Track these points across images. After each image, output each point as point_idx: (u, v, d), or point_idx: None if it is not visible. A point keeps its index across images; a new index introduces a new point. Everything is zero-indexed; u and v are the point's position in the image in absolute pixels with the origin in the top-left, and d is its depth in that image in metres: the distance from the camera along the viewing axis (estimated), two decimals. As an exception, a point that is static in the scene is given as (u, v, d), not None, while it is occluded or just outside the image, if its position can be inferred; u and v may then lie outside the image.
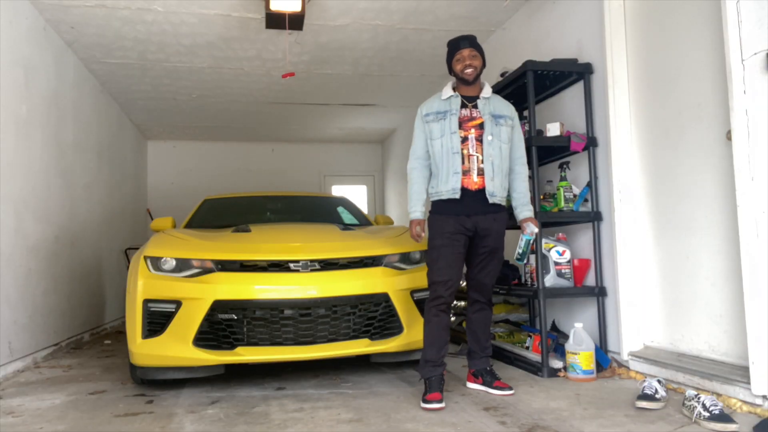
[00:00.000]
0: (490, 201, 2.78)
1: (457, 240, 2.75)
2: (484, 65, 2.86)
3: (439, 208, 2.82)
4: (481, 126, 2.79)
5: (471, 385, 3.00)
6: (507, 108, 2.90)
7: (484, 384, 2.93)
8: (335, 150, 9.65)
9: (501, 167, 2.79)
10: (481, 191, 2.77)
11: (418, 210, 2.85)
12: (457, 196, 2.74)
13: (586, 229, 3.55)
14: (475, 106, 2.82)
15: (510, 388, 2.85)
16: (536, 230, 2.84)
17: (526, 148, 3.40)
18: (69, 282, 4.93)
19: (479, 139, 2.77)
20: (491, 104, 2.84)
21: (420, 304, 3.14)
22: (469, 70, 2.79)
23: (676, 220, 2.98)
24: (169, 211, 8.48)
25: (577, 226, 3.64)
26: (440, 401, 2.60)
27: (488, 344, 3.00)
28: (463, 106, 2.82)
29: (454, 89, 2.89)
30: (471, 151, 2.77)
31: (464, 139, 2.77)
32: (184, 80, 6.03)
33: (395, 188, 8.94)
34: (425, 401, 2.61)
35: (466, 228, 2.77)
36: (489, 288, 2.94)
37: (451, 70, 2.89)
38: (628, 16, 3.32)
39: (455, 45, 2.87)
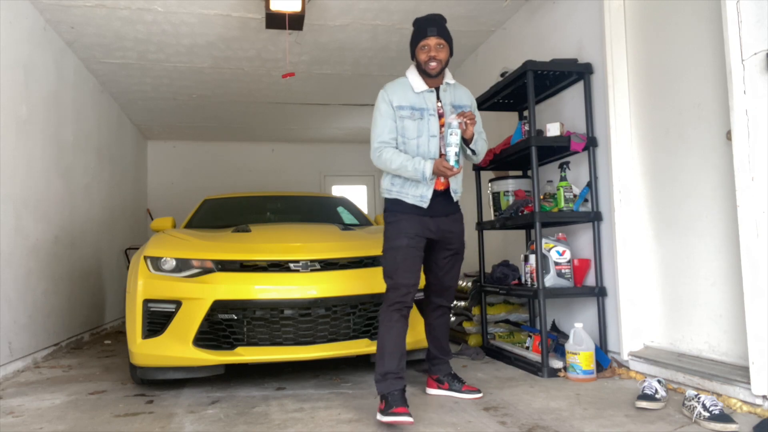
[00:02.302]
0: (455, 199, 2.68)
1: (419, 242, 2.58)
2: (451, 54, 2.62)
3: (401, 208, 2.60)
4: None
5: (433, 392, 2.86)
6: (467, 96, 2.73)
7: (450, 389, 2.80)
8: (335, 150, 9.65)
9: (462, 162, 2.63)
10: (447, 190, 2.65)
11: (425, 162, 2.49)
12: (425, 204, 2.56)
13: (586, 229, 3.55)
14: (438, 97, 2.64)
15: (478, 391, 2.78)
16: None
17: (526, 147, 3.41)
18: (69, 282, 4.93)
19: (431, 116, 2.61)
20: (452, 93, 2.67)
21: (419, 304, 3.14)
22: (433, 64, 2.55)
23: (676, 220, 2.98)
24: (169, 211, 8.49)
25: (577, 226, 3.64)
26: (409, 415, 2.30)
27: (449, 347, 2.92)
28: (430, 95, 2.62)
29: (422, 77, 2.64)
30: (441, 150, 2.57)
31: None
32: (184, 80, 6.03)
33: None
34: (389, 413, 2.31)
35: (429, 230, 2.60)
36: (453, 291, 2.82)
37: (413, 55, 2.64)
38: (628, 16, 3.32)
39: (421, 30, 2.59)
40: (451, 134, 2.42)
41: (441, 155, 2.56)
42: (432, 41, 2.56)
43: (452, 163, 2.41)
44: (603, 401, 2.63)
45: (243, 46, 5.12)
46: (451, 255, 2.72)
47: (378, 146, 2.58)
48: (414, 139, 2.59)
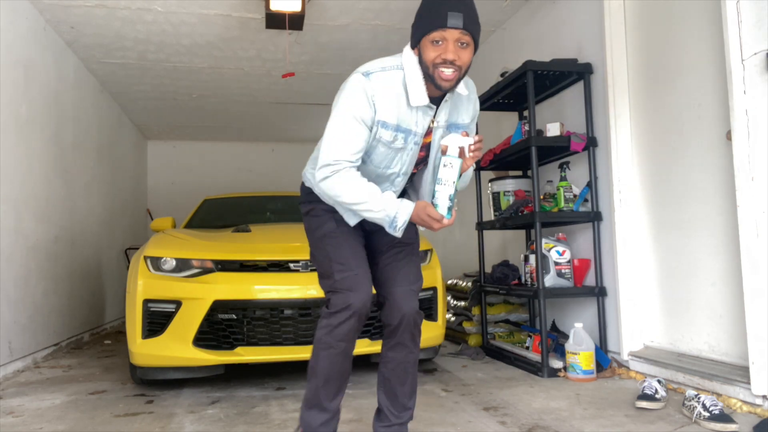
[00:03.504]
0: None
1: (354, 228, 1.90)
2: (475, 52, 1.75)
3: (327, 204, 1.91)
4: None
5: None
6: (469, 110, 1.91)
7: None
8: (335, 150, 9.63)
9: (428, 190, 1.93)
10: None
11: (399, 206, 1.72)
12: (352, 223, 1.88)
13: (586, 229, 3.55)
14: (430, 109, 1.81)
15: None
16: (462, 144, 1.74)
17: (526, 147, 3.41)
18: (69, 282, 4.93)
19: (417, 143, 1.84)
20: (452, 105, 1.85)
21: (420, 304, 3.13)
22: (448, 72, 1.67)
23: (676, 220, 2.98)
24: (169, 211, 8.48)
25: (577, 226, 3.64)
26: None
27: (410, 403, 1.98)
28: (425, 113, 1.80)
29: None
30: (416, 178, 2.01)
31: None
32: (184, 80, 6.03)
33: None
34: None
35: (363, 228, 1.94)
36: (413, 312, 1.95)
37: (416, 44, 1.73)
38: (628, 16, 3.32)
39: (439, 14, 1.66)
40: (445, 166, 1.69)
41: (413, 179, 1.95)
42: (452, 35, 1.65)
43: (444, 211, 1.68)
44: (603, 401, 2.63)
45: (243, 46, 5.12)
46: (399, 246, 1.97)
47: (332, 165, 1.71)
48: (380, 163, 1.84)
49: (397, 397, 1.95)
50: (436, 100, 1.79)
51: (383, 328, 1.96)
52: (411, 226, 1.90)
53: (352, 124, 1.72)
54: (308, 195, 2.00)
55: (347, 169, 1.72)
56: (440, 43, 1.66)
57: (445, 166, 1.70)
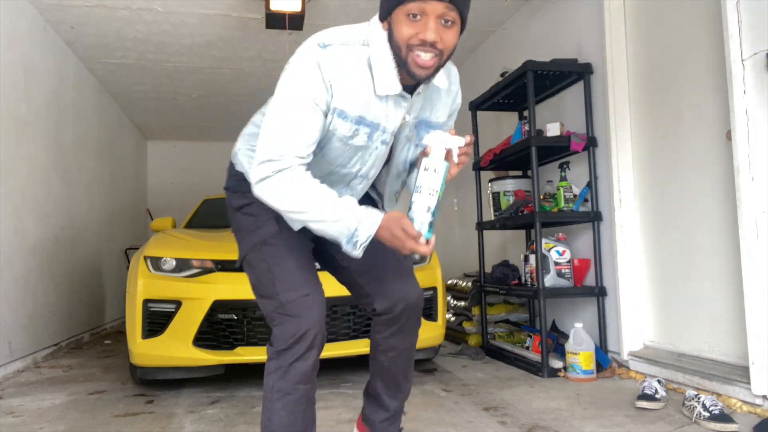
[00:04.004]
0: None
1: (302, 232, 1.49)
2: (461, 32, 1.37)
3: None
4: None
5: None
6: (447, 106, 1.57)
7: None
8: (335, 150, 9.64)
9: (390, 192, 1.67)
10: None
11: (363, 216, 1.34)
12: (297, 227, 1.48)
13: (586, 229, 3.55)
14: (405, 100, 1.44)
15: None
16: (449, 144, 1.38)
17: (526, 147, 3.41)
18: (69, 282, 4.93)
19: (384, 142, 1.50)
20: (428, 99, 1.50)
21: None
22: (426, 57, 1.31)
23: (676, 220, 2.98)
24: (169, 211, 8.48)
25: (577, 226, 3.64)
26: None
27: (409, 384, 1.75)
28: (398, 104, 1.45)
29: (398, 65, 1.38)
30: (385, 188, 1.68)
31: None
32: (184, 80, 6.03)
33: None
34: None
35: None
36: (411, 277, 1.64)
37: (386, 15, 1.36)
38: (628, 16, 3.32)
39: None
40: (427, 171, 1.34)
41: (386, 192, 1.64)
42: (435, 9, 1.28)
43: (423, 228, 1.32)
44: (603, 401, 2.63)
45: (243, 46, 5.12)
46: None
47: (276, 161, 1.33)
48: (331, 165, 1.48)
49: (399, 386, 1.71)
50: (408, 88, 1.41)
51: (377, 316, 1.60)
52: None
53: (304, 107, 1.33)
54: (241, 183, 1.54)
55: (294, 168, 1.32)
56: (418, 17, 1.28)
57: (426, 170, 1.33)
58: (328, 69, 1.34)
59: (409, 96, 1.43)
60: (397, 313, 1.58)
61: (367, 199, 1.66)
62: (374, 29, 1.40)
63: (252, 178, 1.35)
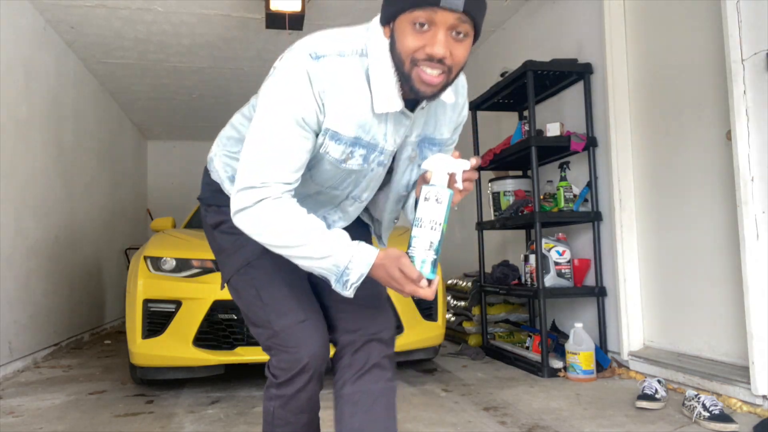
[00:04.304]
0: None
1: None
2: (475, 40, 1.18)
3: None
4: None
5: None
6: (453, 121, 1.37)
7: None
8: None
9: (388, 219, 1.49)
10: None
11: (351, 246, 1.17)
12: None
13: (586, 229, 3.55)
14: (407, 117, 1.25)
15: None
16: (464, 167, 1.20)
17: (526, 147, 3.41)
18: (69, 282, 4.93)
19: (382, 164, 1.31)
20: (432, 114, 1.32)
21: (420, 304, 3.14)
22: (433, 74, 1.13)
23: (676, 220, 2.98)
24: (169, 211, 8.48)
25: (577, 226, 3.64)
26: None
27: None
28: (399, 121, 1.26)
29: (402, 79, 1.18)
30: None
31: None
32: (184, 80, 6.03)
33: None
34: None
35: None
36: (388, 320, 1.41)
37: (388, 20, 1.17)
38: (628, 16, 3.32)
39: None
40: (428, 201, 1.16)
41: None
42: (445, 19, 1.10)
43: (425, 268, 1.15)
44: (603, 401, 2.63)
45: (243, 46, 5.12)
46: None
47: (259, 188, 1.17)
48: (320, 186, 1.32)
49: None
50: (409, 102, 1.23)
51: (337, 358, 1.38)
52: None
53: (291, 128, 1.16)
54: (216, 195, 1.41)
55: (278, 197, 1.16)
56: (426, 27, 1.10)
57: (427, 200, 1.15)
58: (320, 84, 1.15)
59: (411, 114, 1.24)
60: (360, 345, 1.34)
61: (358, 224, 1.49)
62: (374, 36, 1.20)
63: (232, 207, 1.19)
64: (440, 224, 1.15)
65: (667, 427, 2.22)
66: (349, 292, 1.17)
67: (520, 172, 4.13)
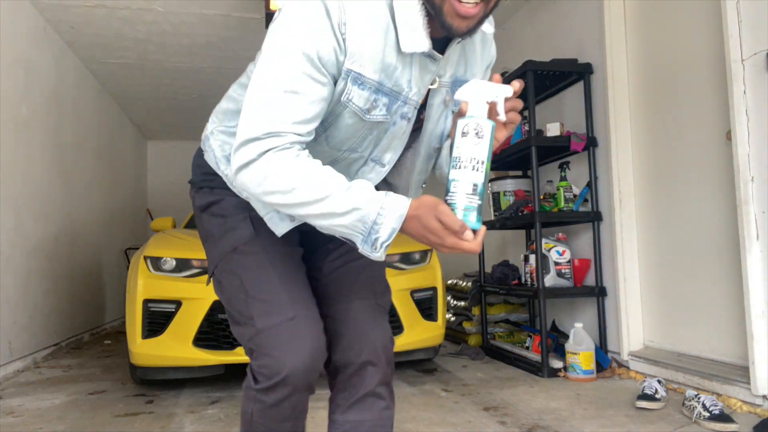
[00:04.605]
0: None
1: (287, 239, 1.18)
2: None
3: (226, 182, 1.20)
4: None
5: None
6: (484, 59, 1.23)
7: None
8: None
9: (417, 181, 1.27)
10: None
11: (379, 195, 0.98)
12: (281, 231, 1.15)
13: (586, 229, 3.55)
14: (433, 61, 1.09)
15: None
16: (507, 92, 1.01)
17: (526, 147, 3.41)
18: (69, 282, 4.93)
19: (405, 116, 1.13)
20: (462, 54, 1.16)
21: (420, 304, 3.14)
22: (469, 5, 0.97)
23: (676, 220, 2.98)
24: (169, 211, 8.48)
25: (577, 226, 3.64)
26: None
27: None
28: (425, 66, 1.08)
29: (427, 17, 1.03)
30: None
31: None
32: (184, 80, 6.03)
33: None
34: None
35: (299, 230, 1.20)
36: (387, 342, 1.26)
37: None
38: (628, 16, 3.32)
39: None
40: (466, 136, 0.97)
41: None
42: None
43: (470, 216, 0.96)
44: (603, 401, 2.63)
45: (243, 46, 5.12)
46: (345, 252, 1.27)
47: (263, 139, 0.99)
48: (335, 150, 1.13)
49: None
50: (439, 42, 1.05)
51: (332, 374, 1.26)
52: None
53: (304, 68, 0.97)
54: (208, 177, 1.23)
55: (289, 150, 0.98)
56: None
57: (465, 135, 0.96)
58: (339, 15, 0.97)
59: (440, 56, 1.06)
60: (357, 365, 1.20)
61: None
62: None
63: (232, 165, 1.00)
64: (483, 162, 0.96)
65: (667, 427, 2.22)
66: (379, 254, 0.98)
67: (520, 172, 4.13)
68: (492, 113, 1.00)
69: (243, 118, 1.01)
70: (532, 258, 3.45)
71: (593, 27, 3.48)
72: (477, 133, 0.96)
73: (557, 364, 3.20)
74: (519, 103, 1.04)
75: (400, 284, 3.12)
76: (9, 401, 2.96)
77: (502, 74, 3.90)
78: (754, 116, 2.36)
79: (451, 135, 1.10)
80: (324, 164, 1.07)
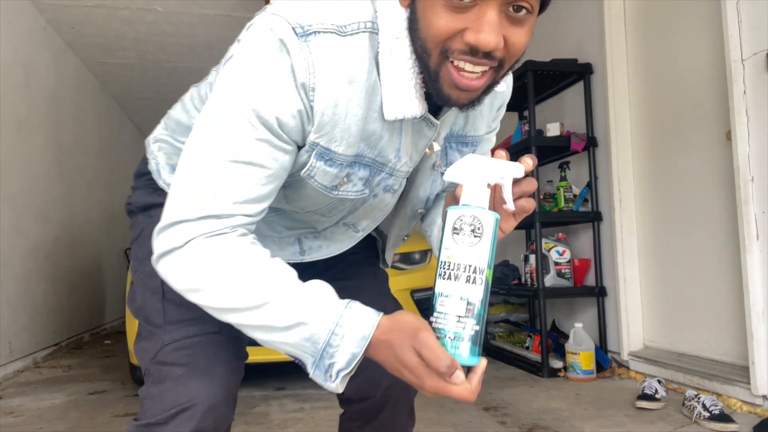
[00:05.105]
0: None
1: None
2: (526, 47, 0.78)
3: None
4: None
5: None
6: (492, 114, 0.98)
7: None
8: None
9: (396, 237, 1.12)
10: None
11: (337, 306, 0.73)
12: None
13: (586, 229, 3.55)
14: (430, 126, 0.86)
15: None
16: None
17: (526, 147, 3.41)
18: (69, 282, 4.93)
19: (389, 189, 0.93)
20: (468, 114, 0.93)
21: (420, 304, 3.13)
22: (472, 74, 0.74)
23: (676, 220, 2.98)
24: (169, 211, 8.48)
25: (577, 226, 3.64)
26: None
27: None
28: (420, 131, 0.87)
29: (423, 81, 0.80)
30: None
31: None
32: (184, 80, 6.03)
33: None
34: None
35: None
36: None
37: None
38: (628, 16, 3.32)
39: None
40: (459, 235, 0.72)
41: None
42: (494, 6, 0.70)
43: (463, 351, 0.70)
44: (603, 401, 2.63)
45: (243, 46, 5.13)
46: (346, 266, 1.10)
47: (194, 224, 0.75)
48: (301, 214, 0.96)
49: None
50: (435, 104, 0.84)
51: (348, 402, 1.13)
52: (364, 260, 1.10)
53: (259, 136, 0.76)
54: (148, 186, 1.05)
55: (226, 236, 0.76)
56: (470, 13, 0.71)
57: (457, 231, 0.72)
58: (307, 76, 0.75)
59: (437, 122, 0.85)
60: (378, 400, 1.07)
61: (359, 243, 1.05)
62: (386, 9, 0.79)
63: (154, 251, 0.78)
64: (483, 272, 0.71)
65: (667, 427, 2.22)
66: (335, 385, 0.73)
67: (520, 172, 4.12)
68: (495, 200, 0.77)
69: (174, 190, 0.77)
70: (532, 258, 3.45)
71: (593, 27, 3.48)
72: (474, 231, 0.71)
73: (557, 364, 3.20)
74: (532, 186, 0.77)
75: (400, 284, 3.11)
76: (9, 401, 2.96)
77: (502, 74, 3.91)
78: (754, 116, 2.36)
79: (442, 218, 0.83)
80: (279, 211, 0.90)
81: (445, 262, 0.72)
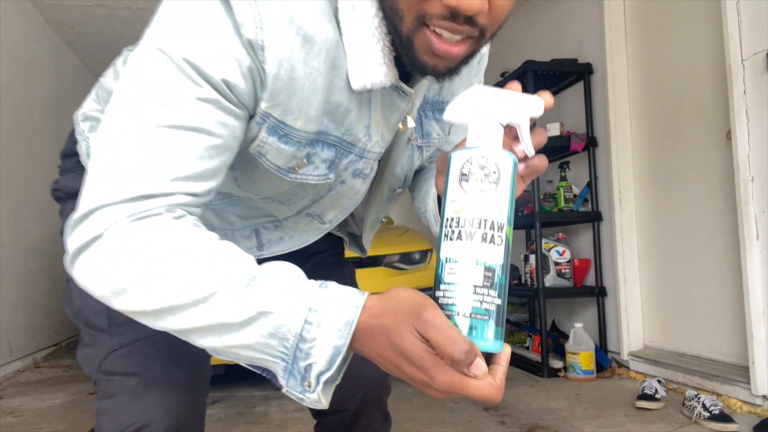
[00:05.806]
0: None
1: None
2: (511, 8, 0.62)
3: None
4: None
5: None
6: (470, 75, 0.89)
7: None
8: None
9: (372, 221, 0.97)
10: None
11: (308, 291, 0.55)
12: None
13: (586, 229, 3.55)
14: (403, 96, 0.72)
15: None
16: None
17: (526, 148, 3.41)
18: (69, 282, 4.93)
19: (359, 174, 0.78)
20: (444, 86, 0.81)
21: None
22: (454, 40, 0.61)
23: (676, 220, 2.98)
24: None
25: (577, 226, 3.64)
26: None
27: None
28: (392, 103, 0.73)
29: (392, 51, 0.66)
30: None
31: None
32: (184, 80, 6.03)
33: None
34: None
35: None
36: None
37: None
38: (628, 16, 3.32)
39: None
40: (470, 180, 0.55)
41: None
42: None
43: (483, 333, 0.53)
44: (603, 401, 2.63)
45: (243, 46, 5.13)
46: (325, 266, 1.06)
47: (126, 206, 0.57)
48: (256, 200, 0.81)
49: None
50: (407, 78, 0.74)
51: (321, 415, 1.10)
52: (334, 246, 0.99)
53: (204, 95, 0.61)
54: (77, 168, 0.94)
55: (158, 217, 0.58)
56: None
57: (466, 178, 0.56)
58: (256, 31, 0.61)
59: (411, 90, 0.73)
60: (353, 412, 1.00)
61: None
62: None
63: (68, 248, 0.61)
64: (502, 227, 0.55)
65: (667, 427, 2.22)
66: (315, 395, 0.56)
67: (520, 172, 4.13)
68: (511, 141, 0.62)
69: (93, 171, 0.60)
70: (532, 258, 3.45)
71: (593, 27, 3.48)
72: (488, 176, 0.55)
73: (557, 364, 3.20)
74: (543, 137, 0.64)
75: (400, 284, 3.11)
76: (9, 401, 2.96)
77: (502, 74, 3.91)
78: (754, 116, 2.36)
79: (436, 183, 0.73)
80: (231, 196, 0.77)
81: (452, 218, 0.55)
